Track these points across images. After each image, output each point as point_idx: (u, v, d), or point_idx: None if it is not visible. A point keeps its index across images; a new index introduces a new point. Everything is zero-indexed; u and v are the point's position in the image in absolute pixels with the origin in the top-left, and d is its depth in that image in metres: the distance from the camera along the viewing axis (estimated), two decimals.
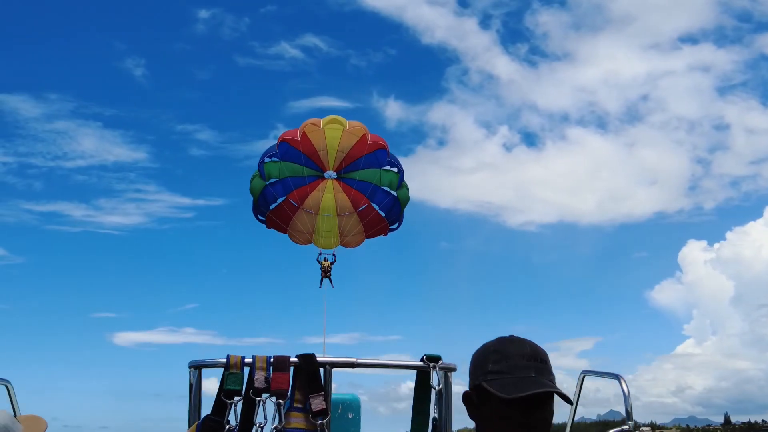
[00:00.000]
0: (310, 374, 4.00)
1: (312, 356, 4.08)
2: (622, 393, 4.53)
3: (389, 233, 14.04)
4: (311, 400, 3.92)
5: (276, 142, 13.43)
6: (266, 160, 13.46)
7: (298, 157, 13.38)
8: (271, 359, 4.03)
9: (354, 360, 4.21)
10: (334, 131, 13.37)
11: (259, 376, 3.95)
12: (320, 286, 13.82)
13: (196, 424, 3.94)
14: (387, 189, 13.67)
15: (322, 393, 3.96)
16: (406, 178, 13.69)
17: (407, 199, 13.78)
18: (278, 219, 13.82)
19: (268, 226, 13.94)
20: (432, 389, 4.11)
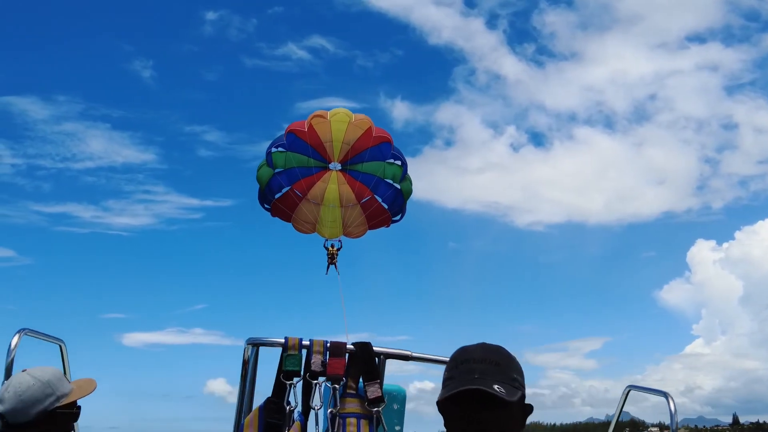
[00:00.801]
0: (366, 362, 4.04)
1: (368, 345, 4.12)
2: (669, 411, 4.44)
3: (392, 225, 14.41)
4: (367, 387, 3.97)
5: (284, 132, 13.73)
6: (273, 150, 13.74)
7: (305, 148, 13.66)
8: (328, 344, 4.05)
9: (409, 353, 4.26)
10: (340, 123, 13.67)
11: (316, 360, 3.97)
12: (326, 273, 14.13)
13: (258, 407, 3.97)
14: (390, 181, 14.01)
15: (378, 381, 4.01)
16: (413, 178, 14.05)
17: (410, 192, 14.15)
18: (283, 207, 14.13)
19: (273, 215, 14.25)
20: None
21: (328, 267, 14.22)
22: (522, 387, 2.55)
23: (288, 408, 3.90)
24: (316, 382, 3.94)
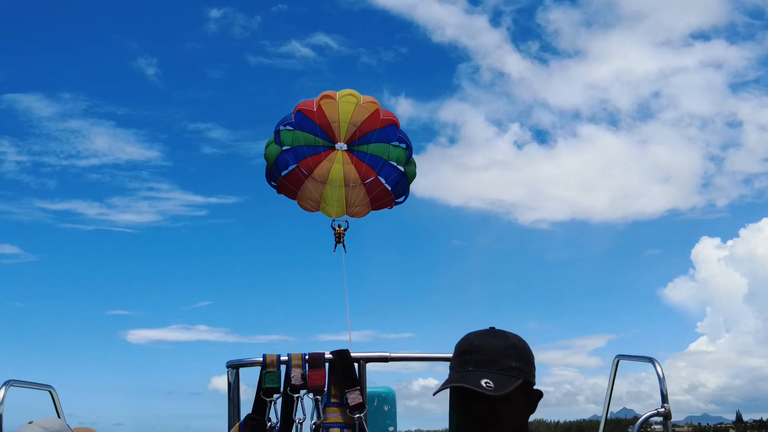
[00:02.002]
0: (345, 369, 4.05)
1: (346, 352, 4.13)
2: (657, 376, 4.54)
3: (394, 206, 14.68)
4: (347, 394, 3.98)
5: (293, 110, 13.92)
6: (281, 128, 13.94)
7: (313, 128, 13.86)
8: (306, 357, 4.07)
9: (387, 354, 4.26)
10: (347, 104, 13.83)
11: (296, 374, 4.00)
12: (334, 251, 14.45)
13: (238, 424, 4.02)
14: (394, 164, 14.22)
15: (358, 387, 4.02)
16: (417, 175, 14.34)
17: (414, 175, 14.38)
18: (289, 185, 14.41)
19: (278, 192, 14.53)
20: None
21: (335, 246, 14.51)
22: (524, 374, 2.54)
23: (269, 424, 3.96)
24: (297, 395, 4.00)
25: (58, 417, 5.24)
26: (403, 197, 14.50)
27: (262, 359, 4.09)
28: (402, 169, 14.20)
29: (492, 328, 2.65)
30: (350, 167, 14.34)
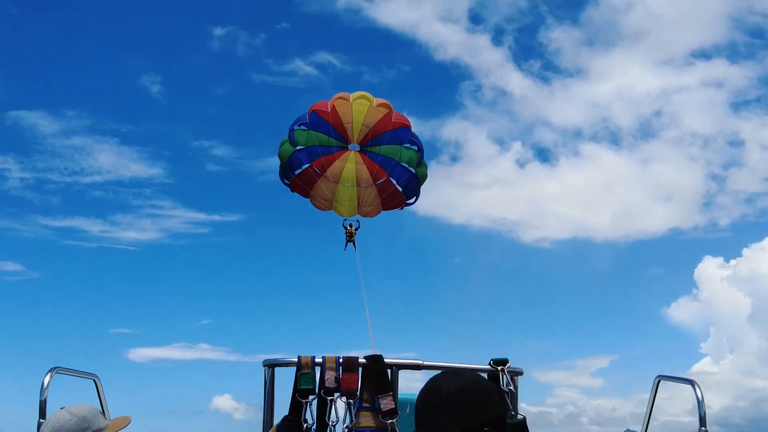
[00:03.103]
0: (378, 375, 4.09)
1: (380, 357, 4.15)
2: (696, 399, 4.55)
3: (405, 207, 14.98)
4: (380, 400, 4.01)
5: (307, 111, 14.20)
6: (296, 127, 14.23)
7: (326, 128, 14.14)
8: (340, 360, 4.09)
9: (420, 362, 4.29)
10: (361, 106, 14.11)
11: (330, 376, 4.03)
12: (344, 249, 14.75)
13: (275, 426, 4.07)
14: (406, 165, 14.50)
15: (391, 393, 4.05)
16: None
17: (425, 177, 14.66)
18: (302, 183, 14.70)
19: (292, 190, 14.83)
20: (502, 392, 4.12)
21: (346, 244, 14.81)
22: (491, 421, 2.54)
23: (305, 425, 4.00)
24: (331, 398, 4.02)
25: (101, 406, 5.31)
26: (414, 198, 14.79)
27: (297, 360, 4.11)
28: (413, 170, 14.48)
29: (454, 379, 2.64)
30: (362, 167, 14.61)
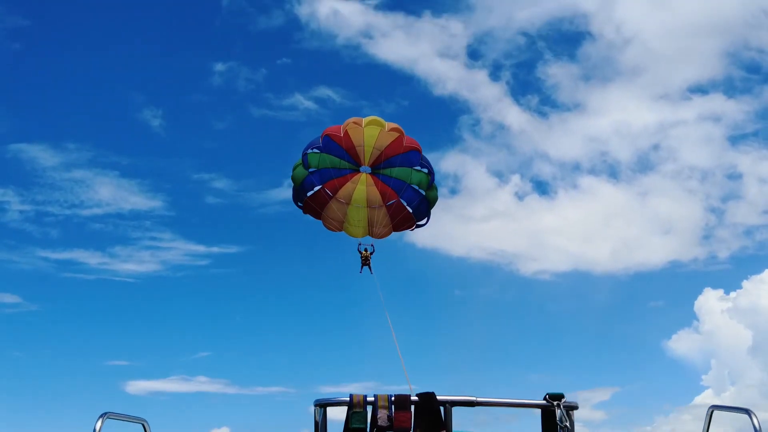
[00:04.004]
0: (431, 413, 4.19)
1: (432, 395, 4.26)
2: (753, 428, 4.54)
3: (416, 228, 15.20)
4: None
5: (320, 135, 14.43)
6: (309, 151, 14.48)
7: (338, 151, 14.40)
8: (392, 398, 4.22)
9: (474, 399, 4.35)
10: (373, 130, 14.40)
11: (382, 415, 4.15)
12: (360, 272, 14.98)
13: None
14: (416, 187, 14.77)
15: (444, 430, 4.18)
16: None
17: (435, 199, 14.93)
18: (314, 205, 14.92)
19: (304, 212, 15.04)
20: (558, 427, 4.26)
21: (361, 267, 15.03)
22: None
23: None
24: None
25: None
26: (426, 219, 15.02)
27: (348, 399, 4.22)
28: (423, 192, 14.73)
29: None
30: (373, 189, 14.87)
